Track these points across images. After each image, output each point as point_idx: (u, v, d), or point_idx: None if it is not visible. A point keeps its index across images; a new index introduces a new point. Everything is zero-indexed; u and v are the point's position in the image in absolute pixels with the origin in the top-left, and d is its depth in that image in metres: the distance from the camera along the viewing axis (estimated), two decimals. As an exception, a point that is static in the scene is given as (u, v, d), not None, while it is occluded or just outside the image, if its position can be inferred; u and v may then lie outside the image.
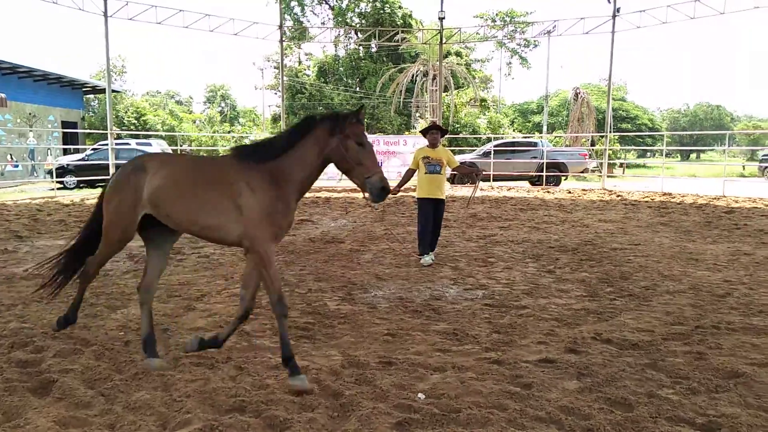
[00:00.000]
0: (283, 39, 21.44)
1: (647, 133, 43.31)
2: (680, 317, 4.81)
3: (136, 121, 33.02)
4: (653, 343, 4.15)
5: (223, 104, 66.17)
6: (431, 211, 7.30)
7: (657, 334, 4.37)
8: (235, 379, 3.54)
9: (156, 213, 3.67)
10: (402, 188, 7.37)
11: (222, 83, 68.36)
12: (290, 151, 3.61)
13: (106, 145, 19.72)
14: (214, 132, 33.76)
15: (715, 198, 15.00)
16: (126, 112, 33.56)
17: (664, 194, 16.36)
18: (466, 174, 8.19)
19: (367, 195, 3.62)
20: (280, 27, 20.88)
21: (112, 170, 17.79)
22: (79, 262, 4.11)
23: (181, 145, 25.82)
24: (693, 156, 58.76)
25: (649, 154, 45.76)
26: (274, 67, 47.11)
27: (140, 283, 3.99)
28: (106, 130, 18.55)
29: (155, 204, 3.63)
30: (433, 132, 7.36)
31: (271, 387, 3.41)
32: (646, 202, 14.62)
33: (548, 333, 4.47)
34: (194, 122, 44.97)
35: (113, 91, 22.31)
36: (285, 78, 36.78)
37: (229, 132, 33.39)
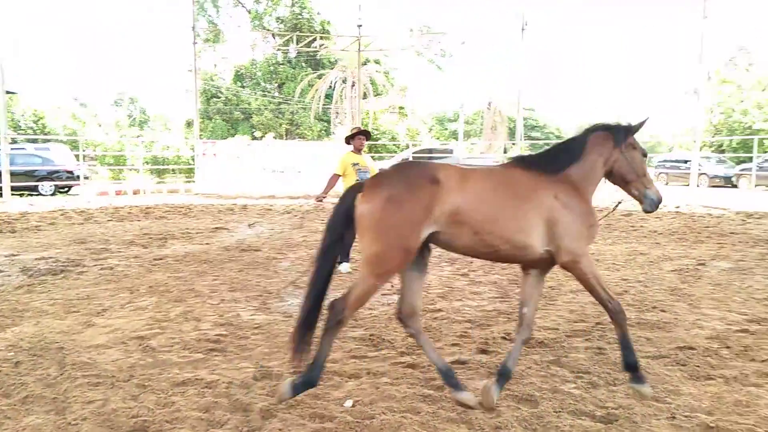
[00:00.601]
0: (196, 41, 20.76)
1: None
2: (582, 315, 5.08)
3: (34, 125, 30.70)
4: (558, 341, 4.35)
5: (131, 108, 62.98)
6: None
7: (561, 331, 4.59)
8: (137, 399, 3.34)
9: (449, 232, 3.10)
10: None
11: (130, 85, 65.16)
12: (578, 163, 3.44)
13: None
14: (121, 137, 32.02)
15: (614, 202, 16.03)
16: (23, 115, 31.12)
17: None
18: None
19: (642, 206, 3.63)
20: (193, 29, 20.20)
21: (6, 177, 16.38)
22: (319, 309, 3.27)
23: (83, 151, 24.27)
24: (596, 163, 62.73)
25: (557, 161, 48.34)
26: (188, 70, 45.49)
27: (399, 311, 3.41)
28: (-1, 133, 17.07)
29: (457, 222, 3.07)
30: (360, 137, 7.27)
31: (176, 405, 3.25)
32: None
33: (461, 335, 4.57)
34: (100, 126, 42.46)
35: (7, 92, 20.60)
36: (199, 81, 35.56)
37: (138, 137, 31.79)
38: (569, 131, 63.81)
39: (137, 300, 5.61)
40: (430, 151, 23.49)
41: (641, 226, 11.13)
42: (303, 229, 10.94)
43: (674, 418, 3.03)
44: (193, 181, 20.44)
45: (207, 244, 9.08)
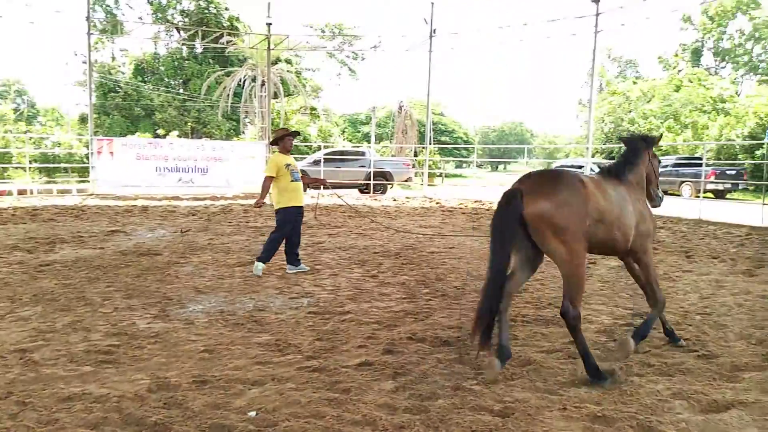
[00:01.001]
0: (92, 32, 19.45)
1: (462, 146, 47.38)
2: (485, 313, 5.26)
3: None
4: (461, 339, 4.48)
5: (18, 101, 57.94)
6: (299, 219, 7.25)
7: (465, 330, 4.73)
8: (17, 417, 3.06)
9: (593, 227, 3.66)
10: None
11: (17, 77, 59.93)
12: (635, 169, 4.27)
13: None
14: (6, 132, 29.33)
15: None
16: None
17: (476, 201, 17.98)
18: (311, 183, 8.18)
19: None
20: (88, 18, 18.88)
21: None
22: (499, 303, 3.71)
23: (-40, 146, 21.98)
24: (501, 167, 65.60)
25: (464, 165, 50.02)
26: (82, 62, 42.55)
27: (503, 284, 3.73)
28: None
29: (600, 219, 3.69)
30: (290, 138, 7.27)
31: (61, 422, 3.00)
32: (461, 208, 15.93)
33: (369, 336, 4.59)
34: (-20, 120, 38.61)
35: None
36: (95, 74, 33.39)
37: (26, 132, 29.25)
38: (476, 136, 66.36)
39: (19, 310, 5.15)
40: (342, 153, 23.48)
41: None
42: (209, 231, 10.54)
43: (566, 409, 3.21)
44: (88, 181, 19.11)
45: (101, 248, 8.51)
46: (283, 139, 7.21)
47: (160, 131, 32.44)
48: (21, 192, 18.03)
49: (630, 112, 37.53)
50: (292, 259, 7.22)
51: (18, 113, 49.26)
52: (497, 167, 65.16)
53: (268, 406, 3.24)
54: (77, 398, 3.30)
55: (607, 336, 4.59)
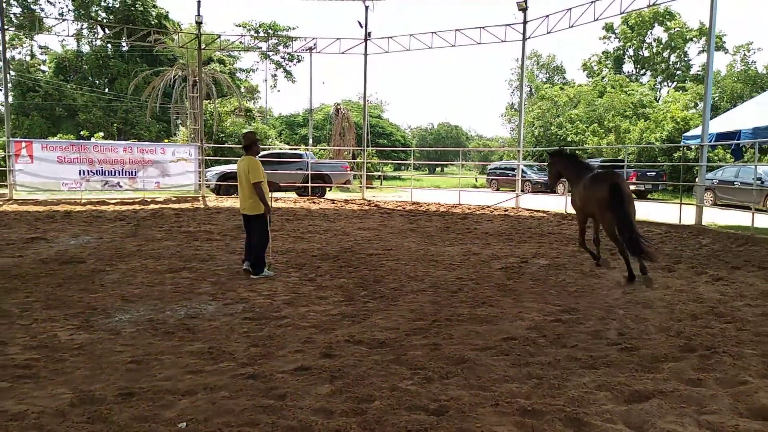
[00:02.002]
0: (7, 27, 18.26)
1: (400, 149, 47.78)
2: (421, 313, 5.34)
3: None
4: (398, 340, 4.51)
5: (-77, 99, 53.58)
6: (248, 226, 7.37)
7: (402, 330, 4.78)
8: None
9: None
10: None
11: None
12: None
13: None
14: None
15: (453, 206, 17.19)
16: None
17: (413, 203, 18.19)
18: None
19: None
20: (1, 13, 17.70)
21: None
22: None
23: None
24: (438, 169, 66.70)
25: (402, 167, 50.51)
26: (-3, 59, 39.92)
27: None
28: None
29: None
30: (258, 142, 7.37)
31: (-30, 444, 2.79)
32: (399, 210, 16.07)
33: (306, 341, 4.54)
34: None
35: None
36: (12, 72, 31.42)
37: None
38: (413, 139, 67.14)
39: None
40: (279, 155, 23.14)
41: (475, 229, 12.04)
42: (137, 237, 10.12)
43: (498, 404, 3.29)
44: (5, 186, 17.91)
45: (19, 256, 8.00)
46: (255, 144, 7.28)
47: (84, 132, 30.84)
48: (-73, 198, 16.65)
49: (558, 116, 39.13)
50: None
51: (-77, 112, 45.53)
52: (434, 170, 66.22)
53: (200, 416, 3.14)
54: (-10, 417, 3.09)
55: (537, 332, 4.75)
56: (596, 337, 4.65)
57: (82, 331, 4.72)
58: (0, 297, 5.72)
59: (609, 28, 48.60)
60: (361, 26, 20.06)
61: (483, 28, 18.31)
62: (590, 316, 5.31)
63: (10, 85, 22.05)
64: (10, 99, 20.49)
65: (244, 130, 31.80)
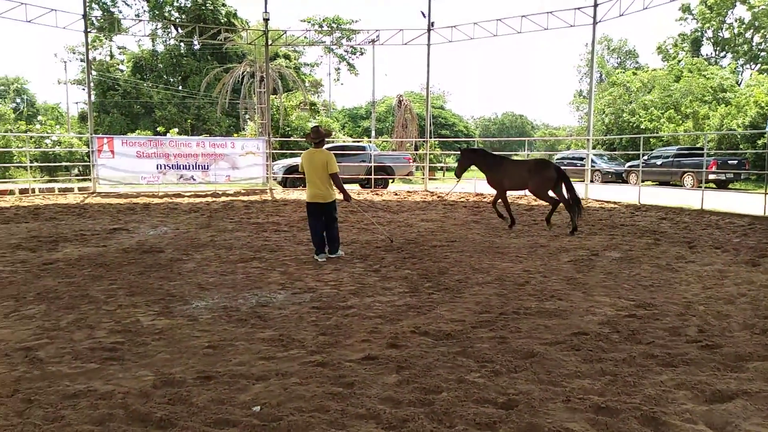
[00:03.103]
0: (90, 29, 19.42)
1: (463, 139, 47.22)
2: (487, 306, 5.27)
3: None
4: (464, 332, 4.48)
5: (18, 100, 57.92)
6: (317, 214, 7.81)
7: (467, 323, 4.74)
8: (23, 414, 3.07)
9: None
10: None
11: (16, 76, 59.89)
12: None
13: None
14: (6, 131, 29.31)
15: (518, 197, 16.84)
16: None
17: (477, 195, 17.96)
18: None
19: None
20: (85, 16, 18.82)
21: None
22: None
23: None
24: (502, 160, 65.53)
25: (465, 157, 50.04)
26: (80, 60, 42.54)
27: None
28: None
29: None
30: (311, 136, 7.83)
31: (66, 419, 3.01)
32: (462, 202, 15.92)
33: (372, 330, 4.59)
34: (-20, 120, 38.62)
35: None
36: (94, 72, 33.35)
37: (26, 131, 29.24)
38: (476, 129, 66.21)
39: (23, 308, 5.16)
40: (342, 148, 23.44)
41: (542, 220, 11.74)
42: (210, 228, 10.55)
43: (569, 401, 3.21)
44: (89, 180, 19.12)
45: (104, 246, 8.53)
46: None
47: (160, 128, 32.40)
48: (23, 191, 18.05)
49: (630, 102, 37.41)
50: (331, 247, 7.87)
51: (18, 112, 49.26)
52: (498, 160, 65.10)
53: (273, 400, 3.25)
54: (82, 395, 3.32)
55: (610, 327, 4.59)
56: (674, 334, 4.44)
57: (162, 316, 4.98)
58: (87, 284, 6.13)
59: (686, 8, 45.87)
60: (424, 16, 19.94)
61: (551, 12, 17.76)
62: (667, 311, 5.07)
63: (92, 84, 23.42)
64: (92, 97, 21.76)
65: (311, 124, 32.45)
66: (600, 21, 17.16)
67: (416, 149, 32.02)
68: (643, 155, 21.79)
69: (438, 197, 17.35)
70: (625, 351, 4.04)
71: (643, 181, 20.59)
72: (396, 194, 18.61)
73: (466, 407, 3.13)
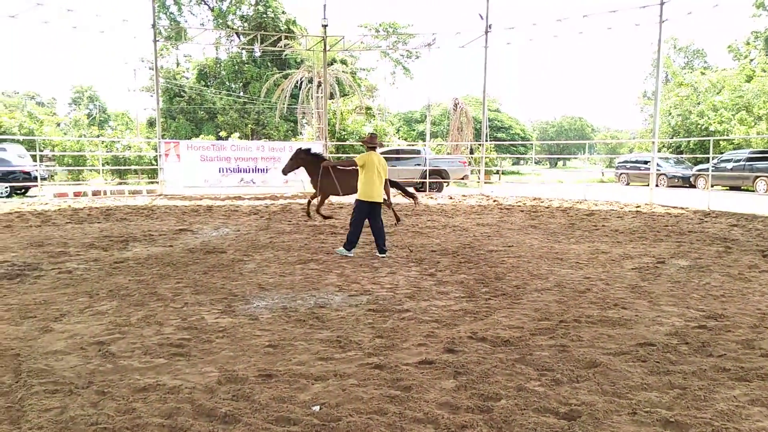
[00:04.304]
0: (158, 39, 20.34)
1: (520, 142, 46.44)
2: (547, 313, 5.16)
3: (-13, 124, 29.54)
4: (523, 339, 4.40)
5: (91, 106, 61.33)
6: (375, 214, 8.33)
7: (526, 330, 4.65)
8: (97, 405, 3.24)
9: None
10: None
11: (89, 84, 63.45)
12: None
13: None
14: (80, 136, 31.07)
15: (578, 202, 16.40)
16: (-25, 114, 29.89)
17: (535, 199, 17.61)
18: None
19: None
20: (154, 26, 19.74)
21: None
22: None
23: (41, 150, 23.47)
24: (560, 164, 63.96)
25: (521, 161, 49.11)
26: (149, 68, 44.56)
27: None
28: (-52, 132, 16.39)
29: None
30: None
31: (137, 411, 3.16)
32: (519, 206, 15.64)
33: (428, 335, 4.58)
34: (58, 125, 41.12)
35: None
36: (161, 80, 34.85)
37: (98, 136, 30.90)
38: (533, 132, 64.97)
39: (97, 304, 5.45)
40: (397, 152, 23.52)
41: (603, 226, 11.39)
42: (269, 230, 10.82)
43: (635, 413, 3.10)
44: (156, 182, 20.00)
45: (170, 246, 8.90)
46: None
47: (222, 133, 33.52)
48: (95, 193, 19.09)
49: (698, 104, 35.70)
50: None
51: (91, 118, 52.13)
52: (556, 164, 63.56)
53: (331, 401, 3.30)
54: (152, 389, 3.47)
55: (678, 338, 4.39)
56: (748, 347, 4.21)
57: (225, 315, 5.15)
58: (156, 282, 6.41)
59: (760, 4, 43.34)
60: (482, 18, 19.75)
61: (614, 12, 17.22)
62: (740, 323, 4.81)
63: (160, 91, 24.51)
64: (160, 103, 22.75)
65: (366, 128, 32.76)
66: (666, 20, 16.49)
67: (472, 152, 31.73)
68: (712, 158, 20.78)
69: (494, 201, 17.12)
70: (695, 363, 3.86)
71: (712, 186, 19.63)
72: (451, 198, 18.49)
73: (527, 416, 3.08)
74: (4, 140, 24.47)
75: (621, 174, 29.52)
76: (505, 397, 3.34)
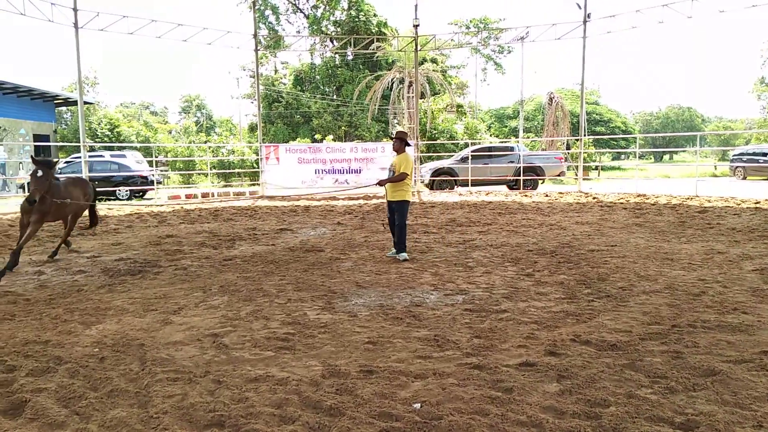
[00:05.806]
0: (258, 48, 21.40)
1: (621, 136, 44.05)
2: (657, 317, 4.87)
3: (109, 133, 32.56)
4: (631, 344, 4.19)
5: (198, 114, 65.66)
6: (390, 211, 8.17)
7: (634, 334, 4.42)
8: (214, 394, 3.48)
9: None
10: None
11: (197, 93, 68.00)
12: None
13: (80, 157, 19.40)
14: (190, 142, 33.36)
15: (688, 198, 15.30)
16: (99, 124, 33.05)
17: (639, 195, 16.64)
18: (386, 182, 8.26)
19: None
20: (255, 36, 20.78)
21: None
22: None
23: (156, 157, 25.50)
24: (666, 157, 59.93)
25: (623, 156, 46.54)
26: (250, 76, 46.99)
27: None
28: (79, 142, 18.24)
29: None
30: (392, 139, 8.16)
31: (250, 400, 3.36)
32: (621, 203, 14.85)
33: (528, 336, 4.49)
34: (170, 133, 44.49)
35: (85, 102, 21.90)
36: (261, 87, 36.59)
37: (205, 142, 33.07)
38: (636, 124, 61.35)
39: (210, 299, 5.84)
40: (489, 149, 23.14)
41: (718, 224, 10.56)
42: (364, 229, 11.05)
43: (761, 426, 2.86)
44: (258, 184, 21.06)
45: (272, 245, 9.34)
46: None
47: (317, 136, 34.66)
48: (204, 195, 20.45)
49: (831, 87, 32.03)
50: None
51: (199, 125, 55.82)
52: (661, 158, 59.64)
53: (432, 399, 3.32)
54: (262, 380, 3.68)
55: None
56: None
57: (326, 311, 5.34)
58: (261, 279, 6.77)
59: None
60: (580, 8, 18.97)
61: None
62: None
63: (260, 97, 25.81)
64: (261, 109, 23.96)
65: (457, 126, 32.53)
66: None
67: (568, 148, 30.54)
68: None
69: (593, 198, 16.38)
70: (833, 376, 3.49)
71: None
72: (546, 195, 17.92)
73: (639, 424, 2.93)
74: (124, 147, 26.85)
75: (736, 167, 27.16)
76: (615, 403, 3.20)
